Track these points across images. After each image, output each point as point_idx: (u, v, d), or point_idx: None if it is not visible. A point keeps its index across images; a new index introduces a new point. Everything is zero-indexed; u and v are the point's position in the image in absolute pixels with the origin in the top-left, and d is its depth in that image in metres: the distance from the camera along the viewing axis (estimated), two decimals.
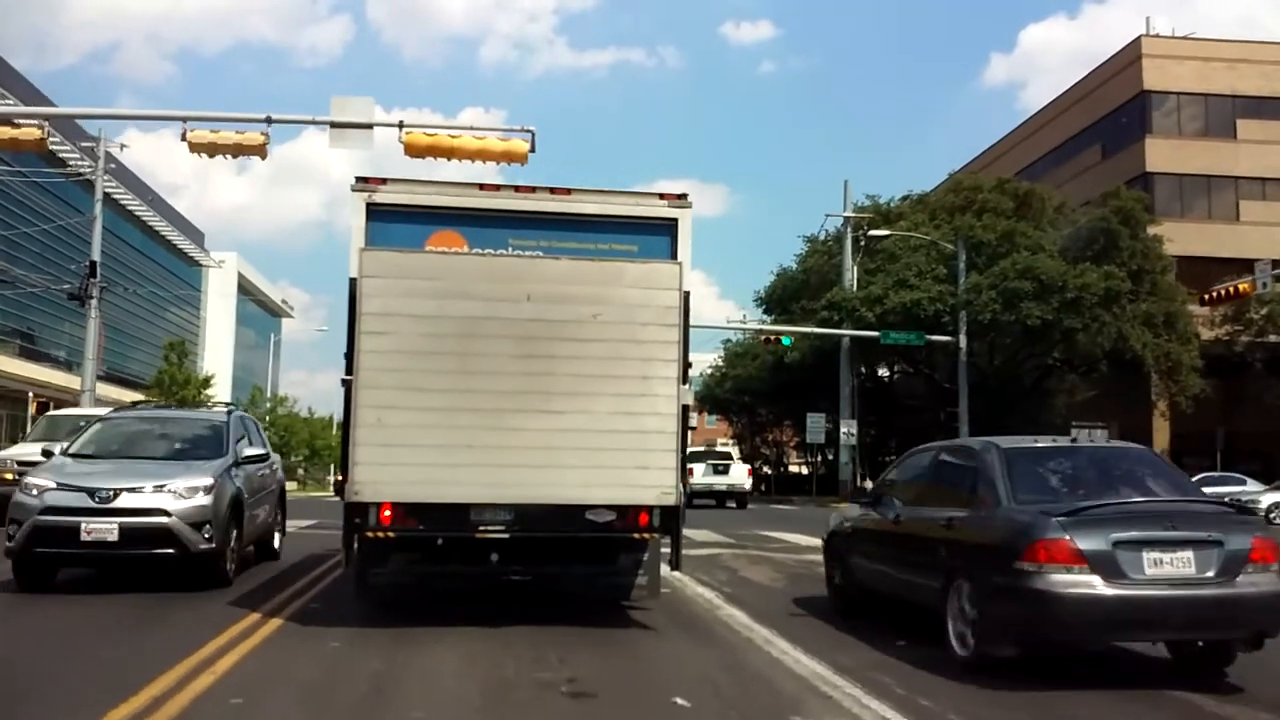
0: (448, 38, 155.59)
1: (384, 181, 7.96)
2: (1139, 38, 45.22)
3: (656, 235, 8.03)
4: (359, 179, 7.88)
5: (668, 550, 8.19)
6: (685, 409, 7.81)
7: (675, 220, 8.02)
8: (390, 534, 7.58)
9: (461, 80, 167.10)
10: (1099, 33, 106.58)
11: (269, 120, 16.12)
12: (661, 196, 8.06)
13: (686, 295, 7.81)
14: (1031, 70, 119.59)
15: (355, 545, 7.82)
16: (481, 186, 8.11)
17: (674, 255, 7.96)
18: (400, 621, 7.86)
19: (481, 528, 7.61)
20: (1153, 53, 44.58)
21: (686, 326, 7.85)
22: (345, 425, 7.68)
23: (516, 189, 8.25)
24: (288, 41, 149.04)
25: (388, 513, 7.50)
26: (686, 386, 7.81)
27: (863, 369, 47.32)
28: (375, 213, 7.80)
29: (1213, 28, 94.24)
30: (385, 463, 7.47)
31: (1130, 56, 45.21)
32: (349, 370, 7.60)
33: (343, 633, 7.55)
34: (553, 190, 8.00)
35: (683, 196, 8.07)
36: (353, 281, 7.54)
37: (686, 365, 7.87)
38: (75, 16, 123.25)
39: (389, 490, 7.49)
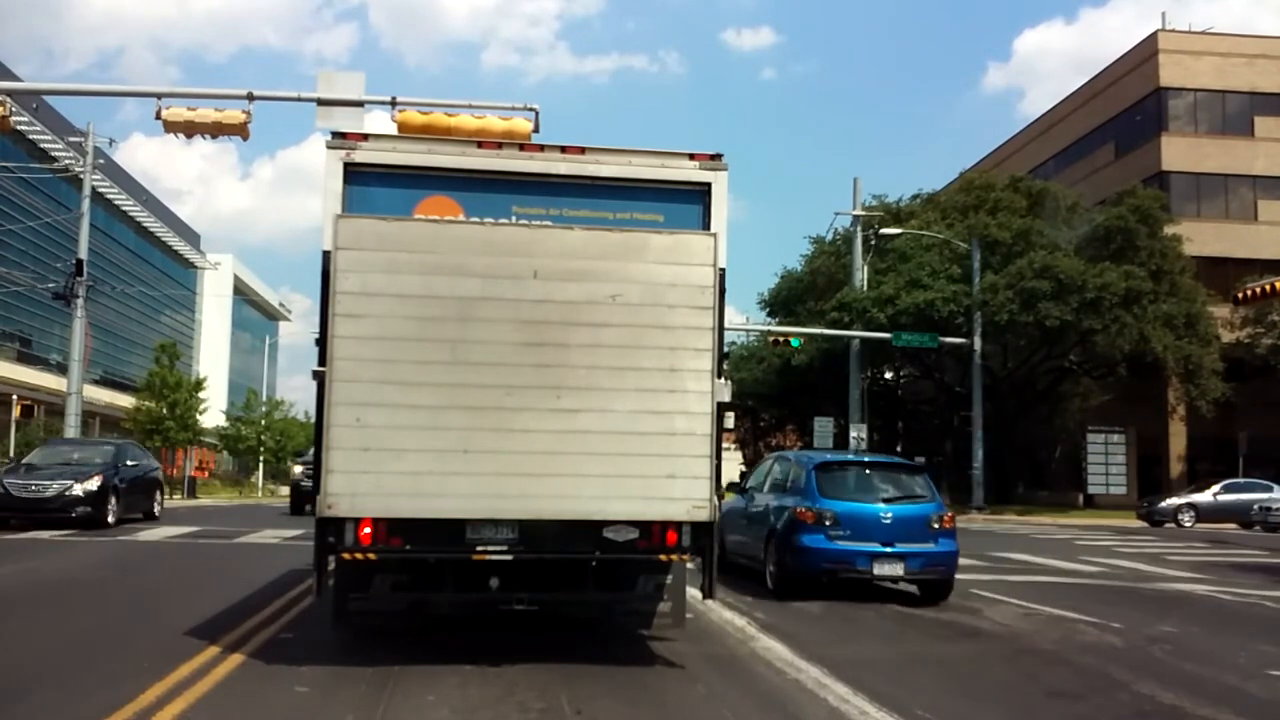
0: (450, 44, 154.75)
1: (365, 137, 6.73)
2: (1155, 33, 44.05)
3: (686, 202, 6.80)
4: (335, 134, 6.64)
5: (690, 567, 7.00)
6: (720, 407, 6.59)
7: (708, 185, 6.79)
8: (371, 555, 6.38)
9: (463, 85, 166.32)
10: (1097, 38, 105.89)
11: (250, 97, 14.87)
12: (692, 157, 6.81)
13: (722, 273, 6.61)
14: (1030, 76, 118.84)
15: (330, 568, 6.64)
16: (480, 144, 6.84)
17: (707, 225, 6.73)
18: (383, 658, 6.65)
19: (480, 547, 6.40)
20: (1170, 48, 43.42)
21: (722, 309, 6.65)
22: (318, 426, 6.46)
23: (521, 147, 7.01)
24: (293, 48, 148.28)
25: (368, 530, 6.29)
26: (722, 380, 6.59)
27: (869, 372, 46.18)
28: (354, 174, 6.56)
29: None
30: (365, 470, 6.26)
31: (1146, 52, 44.06)
32: (322, 360, 6.38)
33: (313, 673, 6.33)
34: (564, 149, 6.76)
35: (717, 157, 6.83)
36: (326, 255, 6.32)
37: (722, 355, 6.66)
38: (80, 23, 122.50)
39: (369, 503, 6.28)
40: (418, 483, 6.29)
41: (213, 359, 75.53)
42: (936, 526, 10.47)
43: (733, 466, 44.95)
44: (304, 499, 23.87)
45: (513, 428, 6.33)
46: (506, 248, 6.44)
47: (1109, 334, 35.12)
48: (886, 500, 10.67)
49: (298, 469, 26.26)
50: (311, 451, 20.87)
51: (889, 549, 10.24)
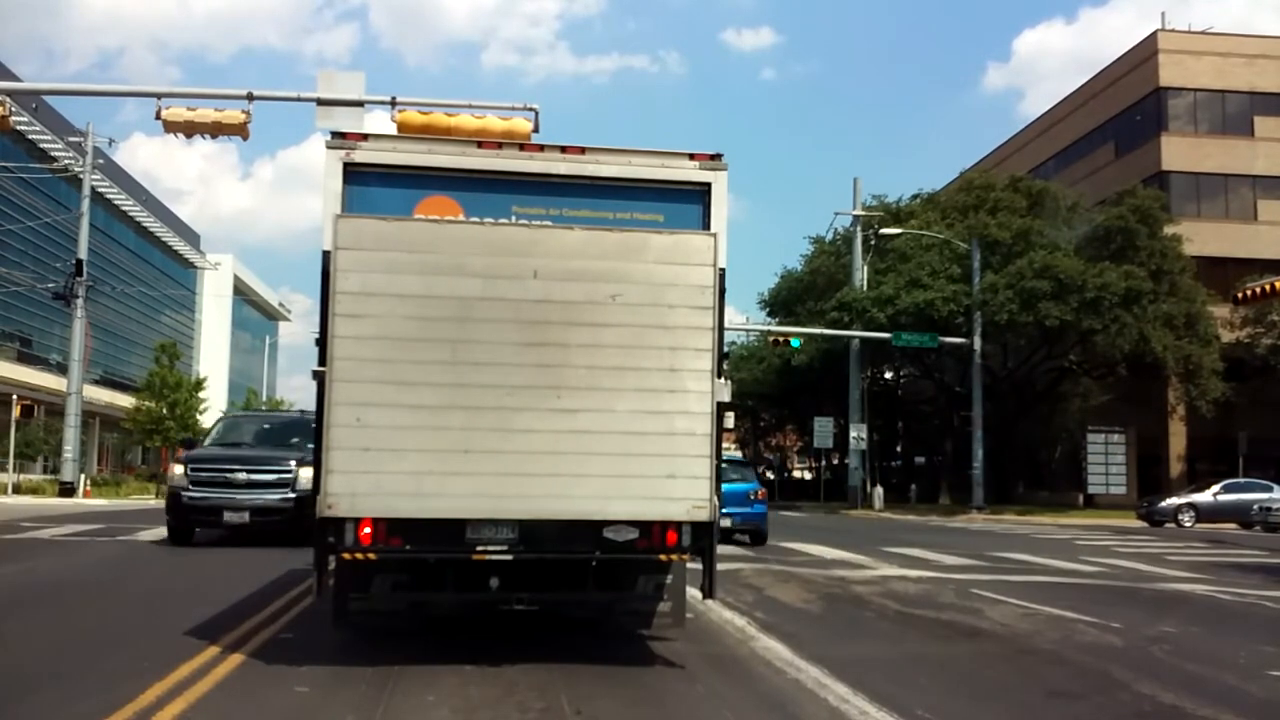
0: (450, 44, 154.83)
1: (365, 137, 6.73)
2: (1155, 33, 44.06)
3: (686, 202, 6.80)
4: (334, 134, 6.64)
5: (692, 567, 7.00)
6: (720, 407, 6.59)
7: (708, 185, 6.79)
8: (371, 555, 6.37)
9: (463, 85, 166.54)
10: (1097, 38, 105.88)
11: (250, 97, 14.88)
12: (692, 157, 6.81)
13: (722, 273, 6.61)
14: (1030, 76, 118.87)
15: (331, 568, 6.63)
16: (480, 144, 6.84)
17: (707, 225, 6.73)
18: (384, 658, 6.65)
19: (480, 547, 6.40)
20: (1169, 48, 43.43)
21: (722, 309, 6.65)
22: (318, 426, 6.46)
23: (521, 147, 7.01)
24: (293, 48, 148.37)
25: (368, 530, 6.29)
26: (722, 380, 6.59)
27: (869, 372, 46.23)
28: (354, 174, 6.56)
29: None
30: (365, 470, 6.25)
31: (1146, 52, 44.07)
32: (322, 360, 6.38)
33: (313, 673, 6.33)
34: (564, 149, 6.76)
35: (717, 157, 6.84)
36: (326, 255, 6.32)
37: (722, 355, 6.66)
38: (81, 23, 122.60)
39: (369, 503, 6.27)
40: (418, 483, 6.29)
41: (213, 359, 75.61)
42: (753, 498, 17.55)
43: None
44: (190, 517, 14.50)
45: (513, 428, 6.33)
46: (506, 248, 6.44)
47: (1109, 334, 35.14)
48: (724, 482, 15.75)
49: (178, 470, 15.03)
50: (206, 443, 17.07)
51: (723, 510, 15.16)
